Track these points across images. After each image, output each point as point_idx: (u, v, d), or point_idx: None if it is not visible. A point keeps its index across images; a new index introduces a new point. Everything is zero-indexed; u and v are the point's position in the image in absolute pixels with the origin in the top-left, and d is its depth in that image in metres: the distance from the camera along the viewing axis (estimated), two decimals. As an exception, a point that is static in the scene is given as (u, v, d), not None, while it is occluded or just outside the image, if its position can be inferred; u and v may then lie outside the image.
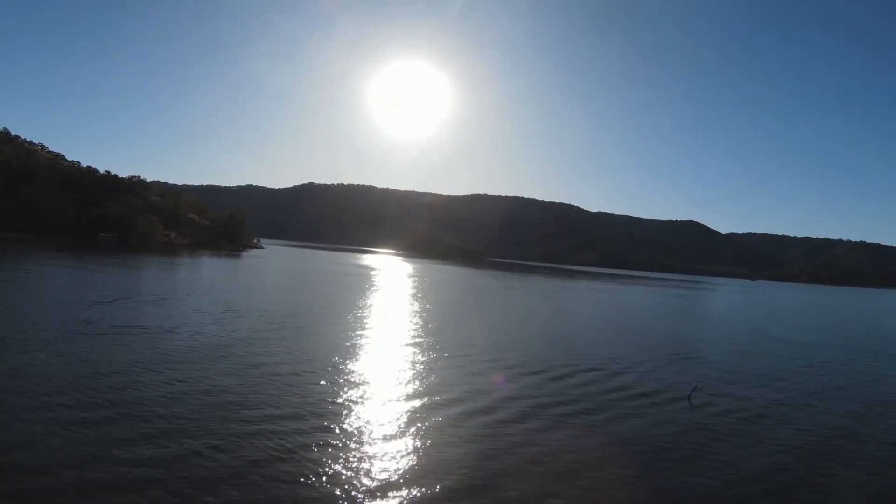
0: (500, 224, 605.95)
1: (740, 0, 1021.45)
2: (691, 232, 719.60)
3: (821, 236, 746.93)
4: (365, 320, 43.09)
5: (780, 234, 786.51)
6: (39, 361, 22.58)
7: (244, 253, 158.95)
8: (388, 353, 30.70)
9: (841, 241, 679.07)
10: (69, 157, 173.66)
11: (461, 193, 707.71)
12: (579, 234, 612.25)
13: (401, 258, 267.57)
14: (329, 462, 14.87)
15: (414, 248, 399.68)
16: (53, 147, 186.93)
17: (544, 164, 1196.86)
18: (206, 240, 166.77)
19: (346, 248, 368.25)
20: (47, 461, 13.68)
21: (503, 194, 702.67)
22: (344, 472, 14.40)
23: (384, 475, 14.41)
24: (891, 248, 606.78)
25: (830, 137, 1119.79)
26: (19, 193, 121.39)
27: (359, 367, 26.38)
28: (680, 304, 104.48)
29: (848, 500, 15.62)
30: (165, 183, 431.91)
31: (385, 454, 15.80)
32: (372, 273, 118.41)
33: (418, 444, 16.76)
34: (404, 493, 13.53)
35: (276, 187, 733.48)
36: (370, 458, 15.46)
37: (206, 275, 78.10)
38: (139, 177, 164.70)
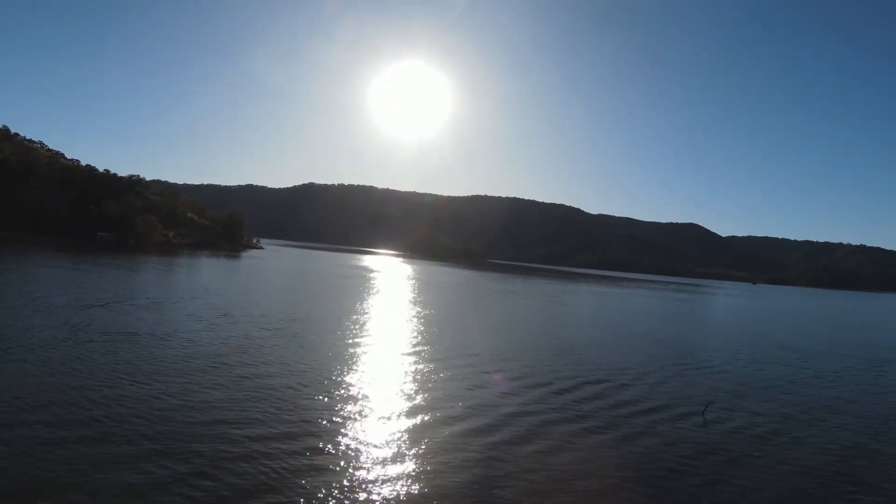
0: (501, 225, 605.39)
1: (741, 0, 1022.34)
2: (691, 234, 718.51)
3: (821, 240, 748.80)
4: (364, 327, 42.07)
5: (780, 237, 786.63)
6: (22, 372, 21.57)
7: (243, 253, 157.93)
8: (386, 364, 29.66)
9: (841, 244, 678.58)
10: (68, 156, 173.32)
11: (462, 194, 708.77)
12: (579, 236, 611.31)
13: (401, 259, 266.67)
14: (323, 490, 13.84)
15: (414, 248, 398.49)
16: (53, 145, 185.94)
17: (545, 165, 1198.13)
18: (205, 240, 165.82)
19: (346, 249, 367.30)
20: (19, 487, 12.68)
21: (504, 196, 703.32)
22: (339, 502, 13.37)
23: (382, 506, 13.39)
24: (891, 251, 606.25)
25: (831, 141, 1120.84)
26: (18, 192, 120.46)
27: (356, 379, 25.34)
28: (683, 308, 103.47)
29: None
30: (165, 182, 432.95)
31: (383, 481, 14.75)
32: (372, 275, 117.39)
33: (418, 469, 15.73)
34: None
35: (277, 187, 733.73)
36: (367, 486, 14.42)
37: (203, 277, 77.07)
38: (138, 176, 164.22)
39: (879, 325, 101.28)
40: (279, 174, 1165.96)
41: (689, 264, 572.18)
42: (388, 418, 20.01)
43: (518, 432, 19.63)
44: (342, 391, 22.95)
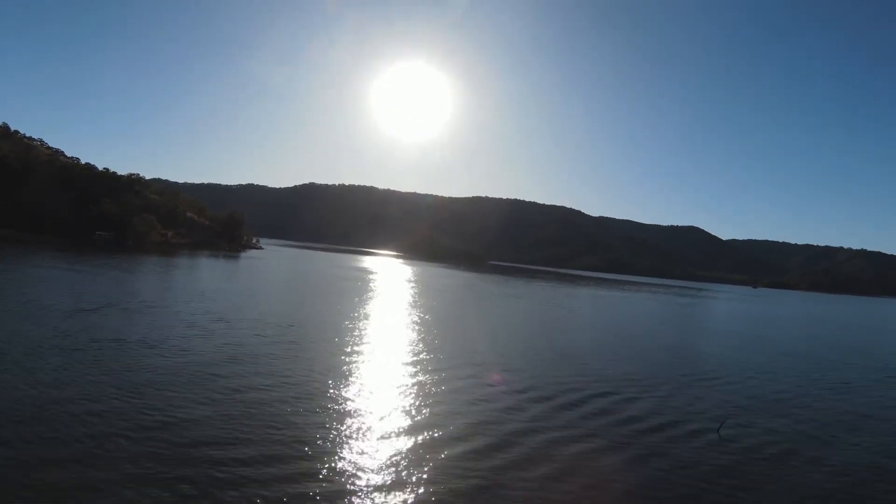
0: (501, 227, 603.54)
1: (742, 1, 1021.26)
2: (692, 238, 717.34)
3: (822, 244, 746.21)
4: (362, 335, 41.06)
5: (780, 240, 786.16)
6: (4, 384, 20.59)
7: (243, 254, 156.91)
8: (385, 375, 28.63)
9: (842, 248, 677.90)
10: (68, 154, 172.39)
11: (462, 195, 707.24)
12: (580, 238, 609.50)
13: (401, 260, 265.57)
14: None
15: (414, 249, 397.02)
16: (53, 143, 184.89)
17: (545, 166, 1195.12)
18: (205, 239, 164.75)
19: (346, 250, 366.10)
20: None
21: (504, 197, 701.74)
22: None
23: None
24: (892, 256, 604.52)
25: (833, 144, 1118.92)
26: (18, 191, 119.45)
27: (353, 393, 24.33)
28: (685, 313, 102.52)
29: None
30: (165, 180, 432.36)
31: (381, 510, 13.78)
32: (371, 277, 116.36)
33: (417, 498, 14.75)
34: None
35: (277, 187, 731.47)
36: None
37: (201, 278, 76.05)
38: (138, 174, 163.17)
39: (881, 330, 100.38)
40: (279, 174, 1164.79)
41: (690, 267, 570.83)
42: (387, 438, 18.98)
43: (522, 453, 18.61)
44: (338, 406, 21.94)
